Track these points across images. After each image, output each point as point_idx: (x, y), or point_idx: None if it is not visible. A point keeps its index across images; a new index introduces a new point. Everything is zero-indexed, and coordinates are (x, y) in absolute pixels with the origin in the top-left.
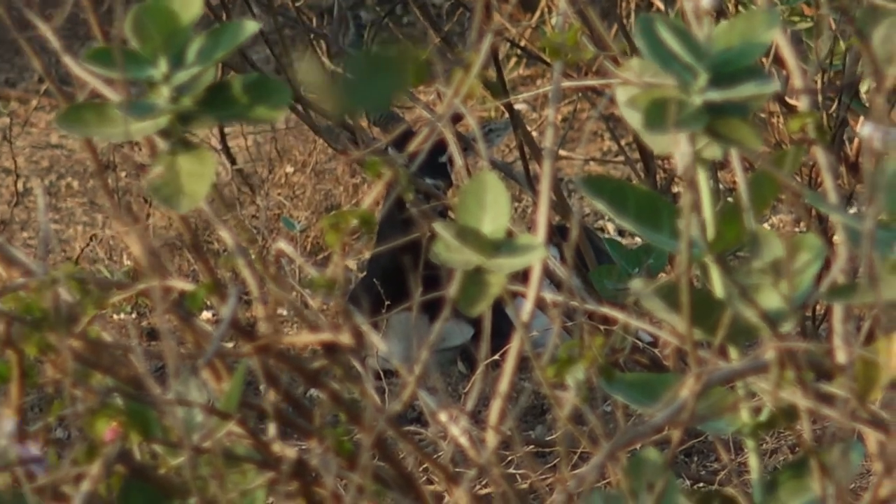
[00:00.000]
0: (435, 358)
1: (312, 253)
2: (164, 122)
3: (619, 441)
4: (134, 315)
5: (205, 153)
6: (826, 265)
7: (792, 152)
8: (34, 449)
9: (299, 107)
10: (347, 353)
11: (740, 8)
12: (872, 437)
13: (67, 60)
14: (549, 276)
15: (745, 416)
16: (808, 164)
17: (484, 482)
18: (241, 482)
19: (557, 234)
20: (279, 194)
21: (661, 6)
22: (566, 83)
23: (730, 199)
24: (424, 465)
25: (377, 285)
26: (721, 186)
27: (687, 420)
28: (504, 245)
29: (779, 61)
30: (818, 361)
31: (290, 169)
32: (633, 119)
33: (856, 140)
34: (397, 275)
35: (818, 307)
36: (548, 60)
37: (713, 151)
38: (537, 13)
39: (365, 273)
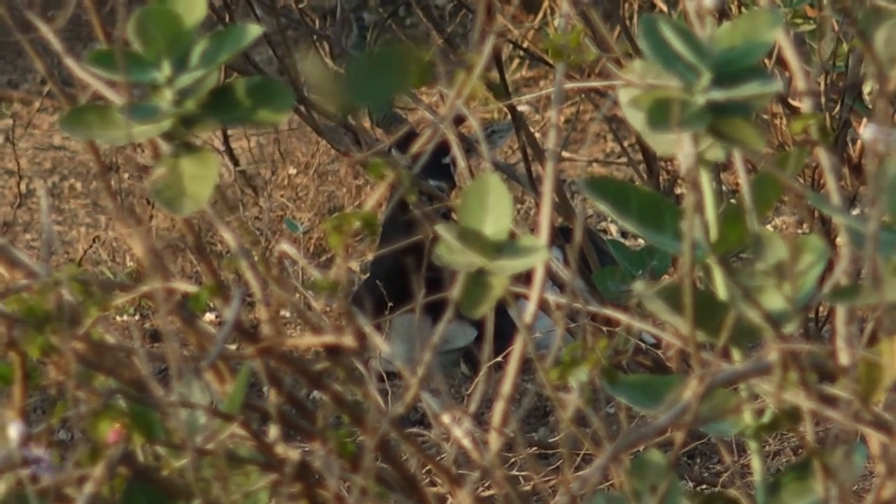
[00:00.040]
0: (438, 360)
1: (315, 255)
2: (168, 126)
3: (622, 443)
4: (137, 317)
5: (208, 155)
6: (829, 267)
7: (795, 154)
8: (37, 451)
9: (302, 108)
10: (350, 355)
11: (743, 9)
12: (875, 439)
13: (70, 62)
14: (551, 277)
15: (748, 417)
16: (811, 165)
17: (487, 484)
18: (245, 484)
19: (560, 236)
20: (282, 196)
21: (665, 7)
22: (569, 85)
23: (733, 201)
24: (427, 467)
25: (380, 287)
26: (724, 188)
27: (690, 422)
28: (507, 247)
29: (782, 63)
30: (821, 363)
31: (293, 170)
32: (636, 120)
33: (859, 142)
34: (400, 277)
35: (821, 309)
36: (550, 62)
37: (716, 153)
38: (540, 15)
39: (368, 275)
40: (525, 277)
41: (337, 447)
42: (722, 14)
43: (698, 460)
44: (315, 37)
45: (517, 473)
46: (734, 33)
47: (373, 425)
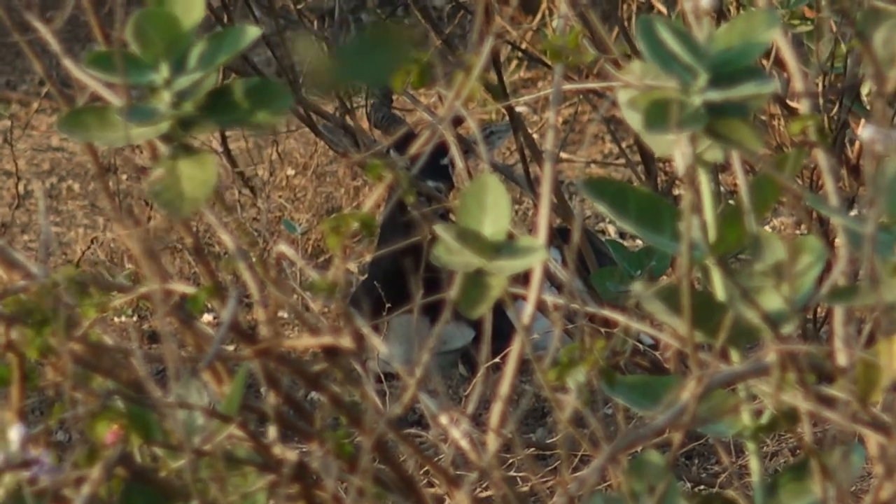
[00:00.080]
0: (436, 361)
1: (313, 256)
2: (166, 127)
3: (619, 444)
4: (135, 318)
5: (206, 157)
6: (827, 268)
7: (793, 155)
8: (36, 452)
9: (301, 110)
10: (348, 356)
11: (741, 10)
12: (873, 440)
13: (68, 63)
14: (549, 278)
15: (746, 418)
16: (809, 166)
17: (485, 485)
18: (242, 485)
19: (558, 237)
20: (280, 197)
21: (663, 9)
22: (567, 86)
23: (731, 202)
24: (425, 468)
25: (378, 288)
26: (722, 189)
27: (688, 423)
28: (505, 247)
29: (780, 64)
30: (819, 364)
31: (291, 171)
32: (635, 120)
33: (857, 143)
34: (398, 277)
35: (819, 310)
36: (549, 63)
37: (715, 154)
38: (538, 16)
39: (366, 276)
40: (523, 278)
41: (335, 448)
42: (720, 15)
43: (696, 461)
44: (313, 38)
45: (515, 474)
46: (731, 34)
47: (370, 426)
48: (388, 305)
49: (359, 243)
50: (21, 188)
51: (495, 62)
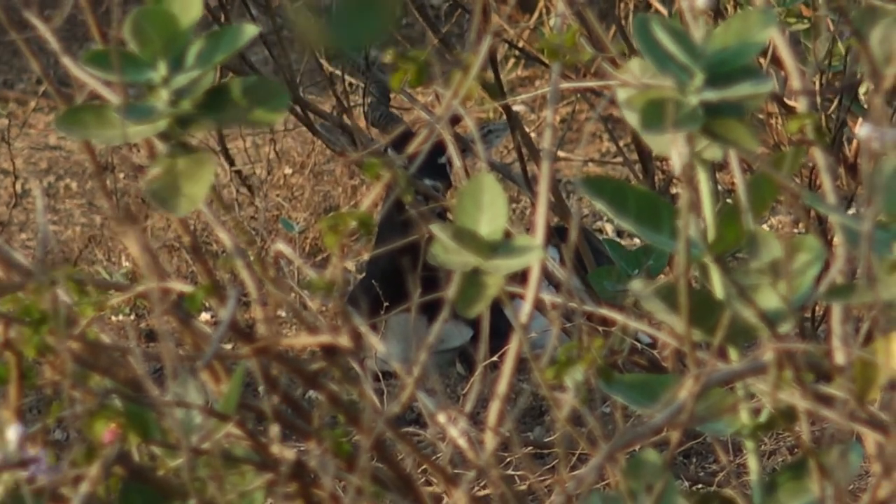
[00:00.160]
0: (433, 359)
1: (311, 254)
2: (163, 126)
3: (617, 442)
4: (132, 317)
5: (203, 156)
6: (825, 266)
7: (791, 154)
8: (33, 451)
9: (298, 108)
10: (346, 355)
11: (737, 9)
12: (871, 438)
13: (66, 62)
14: (547, 277)
15: (744, 417)
16: (806, 165)
17: (482, 483)
18: (240, 483)
19: (556, 236)
20: (278, 196)
21: (661, 7)
22: (564, 84)
23: (729, 201)
24: (423, 467)
25: (376, 287)
26: (720, 187)
27: (686, 421)
28: (502, 246)
29: (777, 62)
30: (817, 362)
31: (288, 170)
32: (633, 119)
33: (854, 141)
34: (396, 276)
35: (817, 308)
36: (546, 62)
37: (713, 152)
38: (535, 14)
39: (364, 274)
40: (521, 277)
41: (333, 447)
42: (717, 13)
43: (694, 460)
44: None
45: (513, 473)
46: (727, 33)
47: (368, 425)
48: (385, 304)
49: (356, 242)
50: (18, 187)
51: (493, 61)
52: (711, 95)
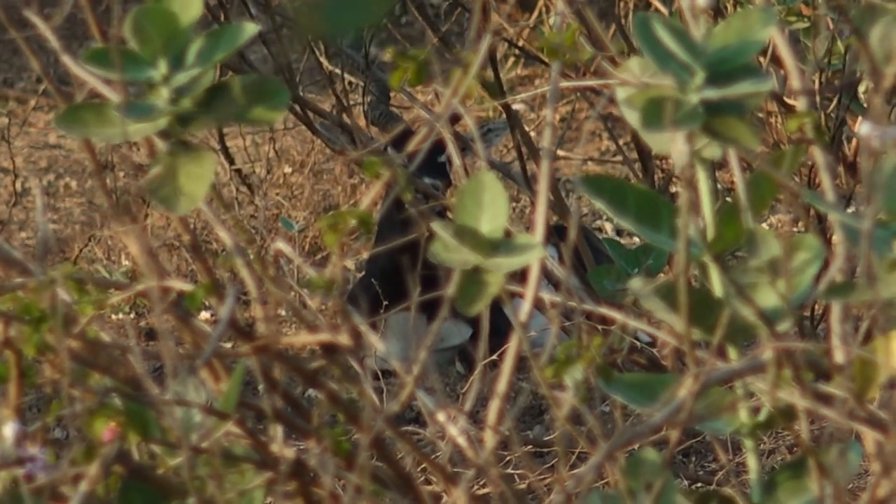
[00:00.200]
0: (433, 358)
1: (311, 253)
2: (163, 124)
3: (617, 441)
4: (132, 315)
5: (203, 154)
6: (825, 265)
7: (790, 152)
8: (33, 449)
9: (297, 107)
10: (346, 354)
11: (737, 8)
12: (870, 437)
13: (66, 60)
14: (547, 275)
15: (743, 416)
16: (806, 164)
17: (482, 482)
18: (240, 482)
19: (555, 234)
20: (277, 194)
21: (661, 6)
22: (564, 83)
23: (728, 199)
24: (422, 466)
25: (375, 285)
26: (719, 186)
27: (685, 420)
28: (502, 245)
29: (777, 61)
30: (816, 361)
31: (288, 169)
32: (633, 118)
33: (854, 140)
34: (396, 275)
35: (816, 306)
36: (546, 60)
37: (713, 151)
38: (535, 13)
39: (363, 273)
40: (520, 276)
41: (332, 445)
42: (717, 12)
43: (693, 458)
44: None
45: (512, 472)
46: (727, 32)
47: (368, 423)
48: (385, 303)
49: (356, 241)
50: (18, 185)
51: (492, 59)
52: (712, 94)
